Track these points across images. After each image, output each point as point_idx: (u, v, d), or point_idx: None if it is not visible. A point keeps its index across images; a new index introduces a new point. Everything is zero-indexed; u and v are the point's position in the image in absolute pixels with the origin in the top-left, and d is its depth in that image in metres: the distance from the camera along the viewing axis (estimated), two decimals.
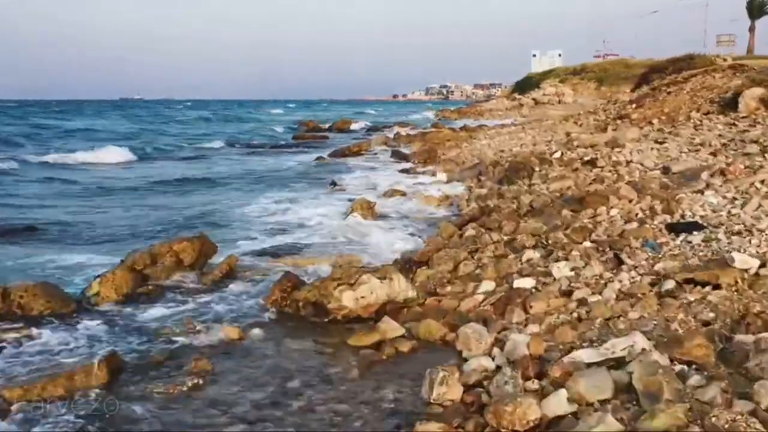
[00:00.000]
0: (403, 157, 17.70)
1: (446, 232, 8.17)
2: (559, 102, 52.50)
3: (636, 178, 9.99)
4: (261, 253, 7.13)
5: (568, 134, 17.59)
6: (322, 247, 7.39)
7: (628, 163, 11.01)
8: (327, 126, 40.17)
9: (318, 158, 19.13)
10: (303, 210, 9.73)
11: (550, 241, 6.74)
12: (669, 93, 17.68)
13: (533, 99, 54.93)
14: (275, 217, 9.28)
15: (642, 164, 10.73)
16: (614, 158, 11.38)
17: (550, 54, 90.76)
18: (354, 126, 39.88)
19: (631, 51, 65.35)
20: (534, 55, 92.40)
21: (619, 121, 16.62)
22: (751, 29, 44.14)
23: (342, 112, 66.35)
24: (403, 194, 11.20)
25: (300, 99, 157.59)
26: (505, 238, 7.48)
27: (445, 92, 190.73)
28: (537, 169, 12.00)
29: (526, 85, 67.95)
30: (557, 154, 12.98)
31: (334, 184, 12.61)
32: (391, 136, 27.77)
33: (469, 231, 8.00)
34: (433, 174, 14.14)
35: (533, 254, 6.42)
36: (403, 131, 30.66)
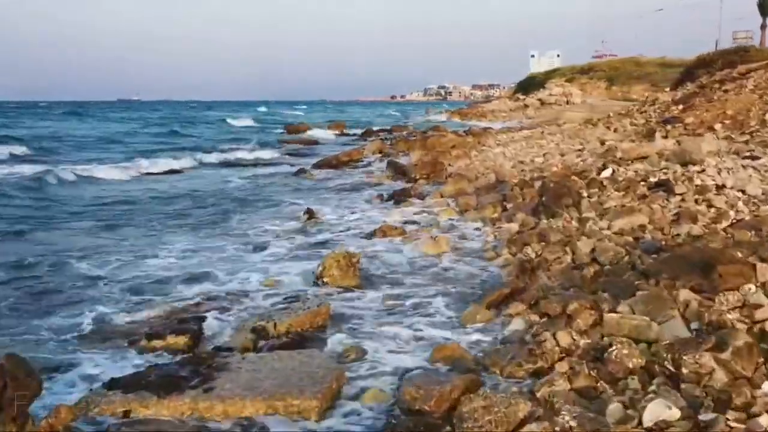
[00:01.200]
0: (401, 171, 14.45)
1: (472, 318, 4.92)
2: (567, 103, 49.29)
3: (746, 214, 6.79)
4: (133, 383, 3.84)
5: (602, 142, 14.39)
6: (257, 365, 4.10)
7: (719, 188, 7.78)
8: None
9: (299, 171, 15.84)
10: (243, 272, 6.35)
11: (684, 370, 3.50)
12: (725, 91, 14.46)
13: (539, 100, 51.70)
14: (191, 287, 5.85)
15: (743, 191, 7.52)
16: (696, 181, 8.15)
17: (548, 54, 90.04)
18: (347, 130, 36.63)
19: (630, 52, 62.48)
20: (532, 56, 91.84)
21: (668, 126, 13.39)
22: (763, 27, 41.22)
23: (364, 113, 62.19)
24: (402, 233, 7.94)
25: (298, 100, 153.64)
26: (582, 342, 4.24)
27: (443, 93, 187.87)
28: (584, 194, 8.77)
29: (530, 85, 64.70)
30: (607, 172, 9.74)
31: (309, 215, 9.34)
32: (388, 142, 24.56)
33: (516, 322, 4.74)
34: (440, 197, 10.88)
35: (663, 410, 3.16)
36: (401, 135, 27.43)
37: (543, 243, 7.03)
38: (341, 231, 8.38)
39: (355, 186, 13.20)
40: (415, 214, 9.29)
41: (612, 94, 49.77)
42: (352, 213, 9.76)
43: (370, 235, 7.87)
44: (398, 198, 10.73)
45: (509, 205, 9.29)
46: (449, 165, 16.01)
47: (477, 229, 8.27)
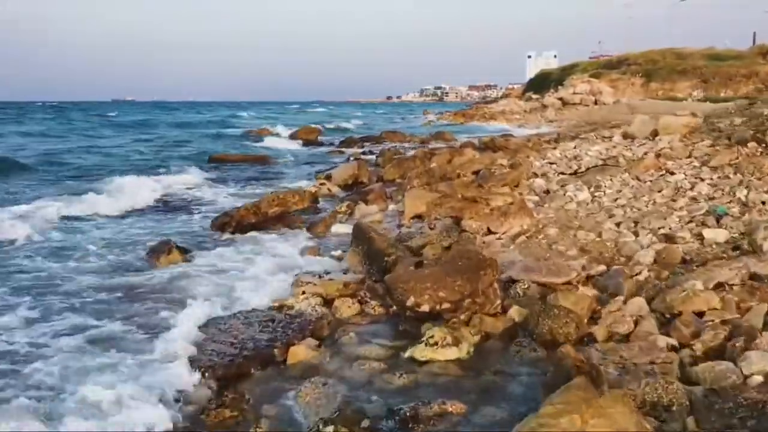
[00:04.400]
0: (379, 267, 5.71)
1: None
2: (596, 102, 40.72)
3: None
4: None
5: None
6: None
7: None
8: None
9: (153, 252, 7.01)
10: None
11: None
12: None
13: (560, 99, 43.12)
14: None
15: None
16: None
17: (545, 55, 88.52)
18: (322, 137, 27.82)
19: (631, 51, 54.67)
20: (529, 57, 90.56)
21: None
22: None
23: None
24: None
25: (297, 101, 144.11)
26: None
27: (439, 94, 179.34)
28: None
29: (543, 82, 56.04)
30: None
31: None
32: (372, 160, 15.86)
33: None
34: None
35: None
36: (392, 149, 18.60)
37: None
38: None
39: (244, 349, 4.46)
40: None
41: (650, 93, 41.14)
42: None
43: None
44: None
45: None
46: (489, 232, 7.40)
47: None
